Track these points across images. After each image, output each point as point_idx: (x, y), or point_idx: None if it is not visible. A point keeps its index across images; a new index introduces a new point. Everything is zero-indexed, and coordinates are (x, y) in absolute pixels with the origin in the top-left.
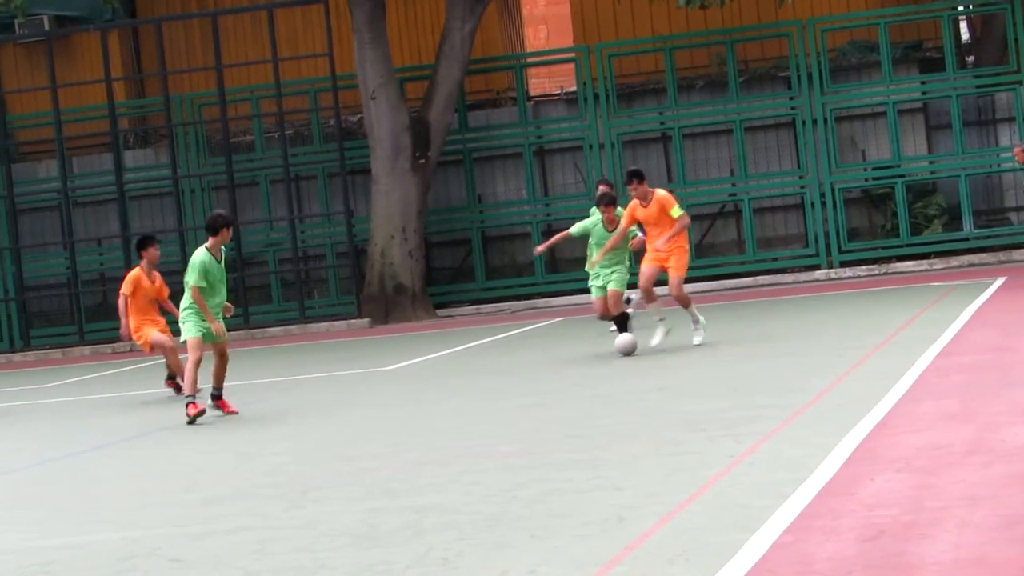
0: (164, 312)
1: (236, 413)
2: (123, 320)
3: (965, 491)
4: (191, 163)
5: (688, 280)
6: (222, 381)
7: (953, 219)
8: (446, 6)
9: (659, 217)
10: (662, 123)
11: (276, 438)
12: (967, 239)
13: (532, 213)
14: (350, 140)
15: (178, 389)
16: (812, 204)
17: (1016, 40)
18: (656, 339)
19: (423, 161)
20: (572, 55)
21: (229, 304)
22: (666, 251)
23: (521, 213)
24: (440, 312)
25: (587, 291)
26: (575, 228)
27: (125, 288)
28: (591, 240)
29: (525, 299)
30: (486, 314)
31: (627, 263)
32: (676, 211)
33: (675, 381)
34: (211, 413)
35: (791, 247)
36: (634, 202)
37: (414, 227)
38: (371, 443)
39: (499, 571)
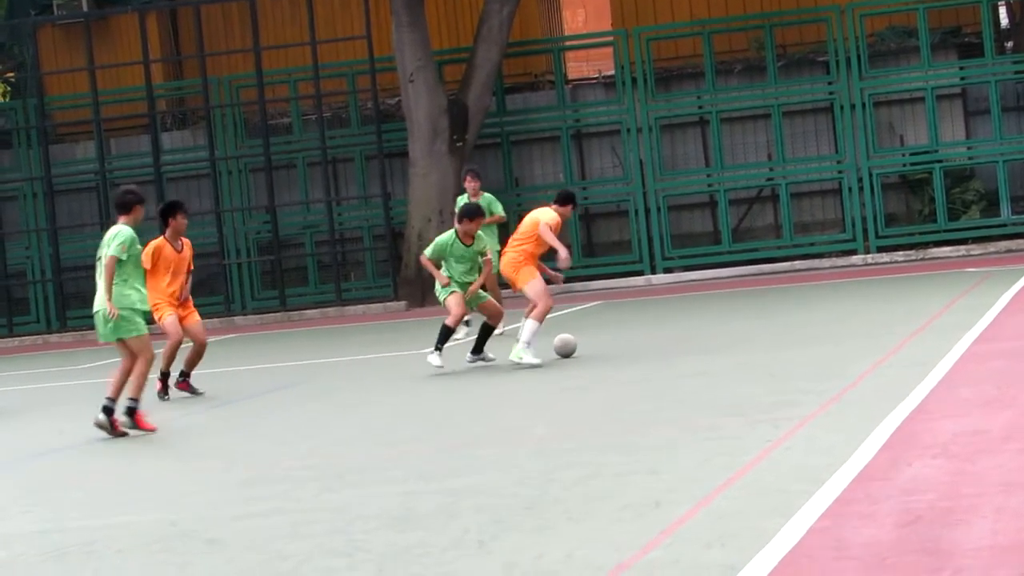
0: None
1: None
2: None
3: (1002, 477)
4: (228, 145)
5: (725, 264)
6: (122, 389)
7: (991, 204)
8: None
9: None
10: (700, 107)
11: (312, 421)
12: (1005, 225)
13: None
14: (387, 123)
15: (192, 390)
16: (849, 189)
17: None
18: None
19: (460, 144)
20: (610, 39)
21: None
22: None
23: None
24: None
25: (624, 275)
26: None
27: (145, 261)
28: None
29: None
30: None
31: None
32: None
33: (713, 367)
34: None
35: (828, 232)
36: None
37: (451, 210)
38: (407, 426)
39: (535, 554)
